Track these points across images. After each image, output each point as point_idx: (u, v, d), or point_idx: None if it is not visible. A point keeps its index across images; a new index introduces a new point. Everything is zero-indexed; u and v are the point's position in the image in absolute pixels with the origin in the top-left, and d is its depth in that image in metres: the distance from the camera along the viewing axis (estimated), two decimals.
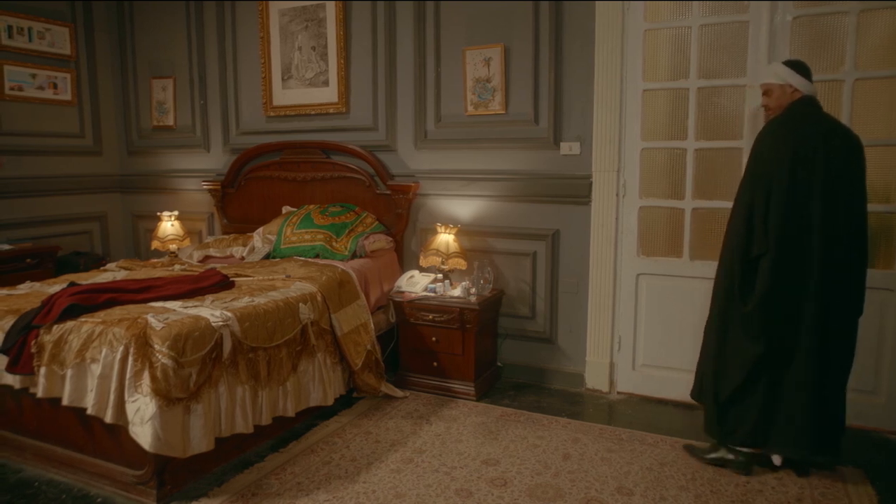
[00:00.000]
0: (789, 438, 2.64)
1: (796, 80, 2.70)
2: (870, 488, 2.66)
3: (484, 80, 3.91)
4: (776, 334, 2.62)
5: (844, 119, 3.16)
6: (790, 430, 2.63)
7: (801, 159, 2.56)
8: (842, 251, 2.59)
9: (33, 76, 4.78)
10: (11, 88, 4.64)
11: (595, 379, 3.80)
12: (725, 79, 3.39)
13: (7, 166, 4.55)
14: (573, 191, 3.74)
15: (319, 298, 3.33)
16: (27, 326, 2.70)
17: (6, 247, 4.32)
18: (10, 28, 4.60)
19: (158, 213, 4.85)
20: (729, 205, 3.37)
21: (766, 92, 2.79)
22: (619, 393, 3.79)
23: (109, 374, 2.48)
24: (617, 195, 3.66)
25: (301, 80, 4.57)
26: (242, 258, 4.21)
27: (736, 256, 2.67)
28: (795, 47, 3.22)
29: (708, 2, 3.39)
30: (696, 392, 2.96)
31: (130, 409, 2.43)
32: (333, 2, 4.32)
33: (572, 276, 3.82)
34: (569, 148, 3.75)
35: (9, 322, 2.78)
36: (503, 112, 3.89)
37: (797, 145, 2.58)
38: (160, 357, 2.45)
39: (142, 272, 3.68)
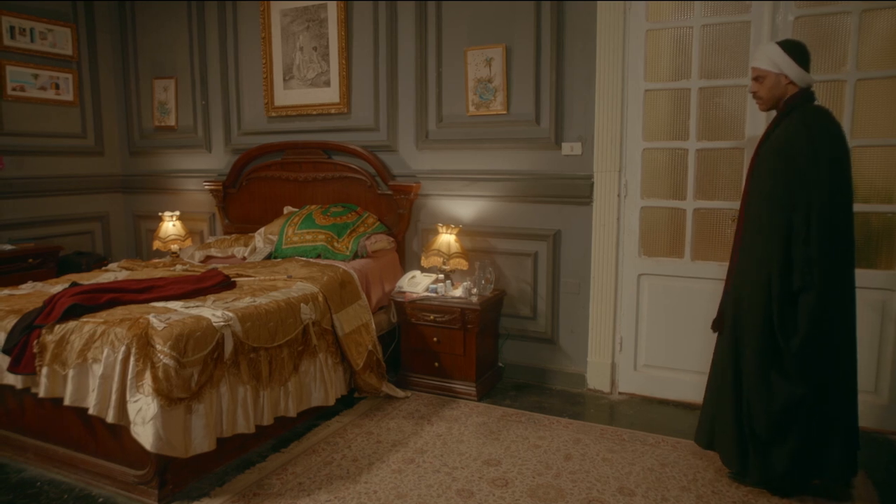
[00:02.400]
0: (836, 467, 2.47)
1: (794, 72, 2.46)
2: (872, 489, 2.65)
3: (485, 81, 3.91)
4: (820, 371, 2.42)
5: (847, 119, 3.16)
6: (836, 458, 2.46)
7: (833, 170, 2.37)
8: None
9: (35, 76, 4.79)
10: (14, 89, 4.65)
11: (596, 379, 3.80)
12: (727, 79, 3.39)
13: (9, 166, 4.56)
14: (575, 191, 3.74)
15: (321, 299, 3.33)
16: (29, 326, 2.70)
17: (9, 247, 4.33)
18: (12, 28, 4.61)
19: (160, 214, 4.86)
20: (730, 205, 3.41)
21: (758, 78, 2.54)
22: (620, 393, 3.78)
23: (111, 375, 2.48)
24: (618, 195, 3.66)
25: (302, 81, 4.57)
26: (244, 258, 4.22)
27: (775, 288, 2.39)
28: None
29: (710, 1, 3.38)
30: (706, 436, 2.71)
31: (132, 409, 2.43)
32: (335, 2, 4.32)
33: (574, 277, 3.82)
34: (570, 148, 3.74)
35: (11, 322, 2.78)
36: (505, 112, 3.89)
37: (830, 154, 2.38)
38: (162, 357, 2.45)
39: (143, 272, 3.68)
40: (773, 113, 2.64)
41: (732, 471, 2.66)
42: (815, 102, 2.55)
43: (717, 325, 2.76)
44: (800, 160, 2.39)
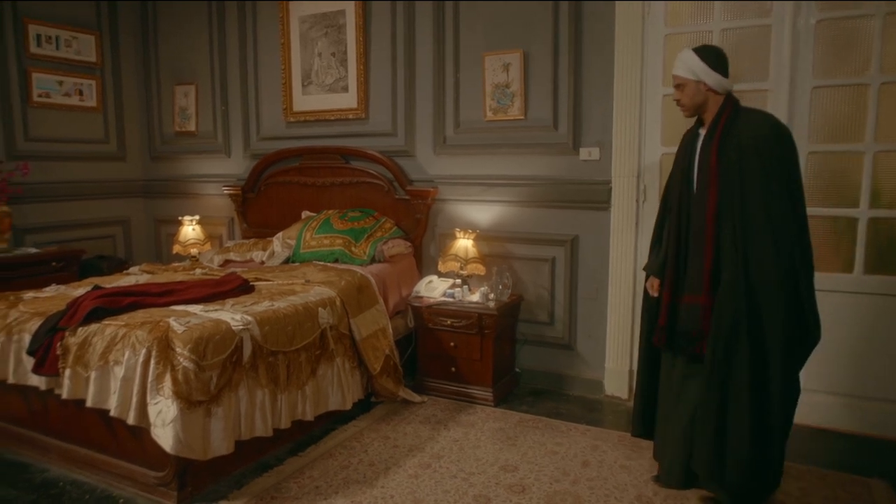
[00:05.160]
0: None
1: (711, 79, 2.41)
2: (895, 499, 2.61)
3: (503, 86, 3.91)
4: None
5: (870, 124, 3.13)
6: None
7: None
8: None
9: (60, 83, 4.88)
10: (39, 95, 4.73)
11: (614, 385, 3.77)
12: (747, 83, 3.35)
13: (34, 172, 4.64)
14: (592, 196, 3.73)
15: (338, 303, 3.35)
16: (53, 329, 2.75)
17: (33, 250, 4.40)
18: (38, 36, 4.70)
19: (180, 218, 4.91)
20: None
21: (679, 86, 2.50)
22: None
23: (132, 377, 2.51)
24: (637, 201, 3.63)
25: (321, 86, 4.60)
26: (262, 263, 4.25)
27: (804, 283, 2.34)
28: (819, 51, 3.18)
29: (730, 2, 3.35)
30: (643, 426, 2.70)
31: (152, 411, 2.46)
32: (354, 1, 4.35)
33: (591, 282, 3.80)
34: (588, 153, 3.73)
35: (35, 324, 2.83)
36: (522, 117, 3.88)
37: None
38: (182, 360, 2.48)
39: (163, 276, 3.73)
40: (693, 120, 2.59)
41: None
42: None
43: (676, 340, 2.51)
44: (789, 159, 2.37)
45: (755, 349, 2.33)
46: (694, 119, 2.58)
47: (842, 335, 3.21)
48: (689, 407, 2.47)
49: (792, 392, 2.41)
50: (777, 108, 3.22)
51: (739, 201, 2.34)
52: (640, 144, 3.61)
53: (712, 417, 2.37)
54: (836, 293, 3.21)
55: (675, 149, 3.54)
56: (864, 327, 3.20)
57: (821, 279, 2.53)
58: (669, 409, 2.57)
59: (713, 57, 2.43)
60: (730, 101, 2.45)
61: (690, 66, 2.43)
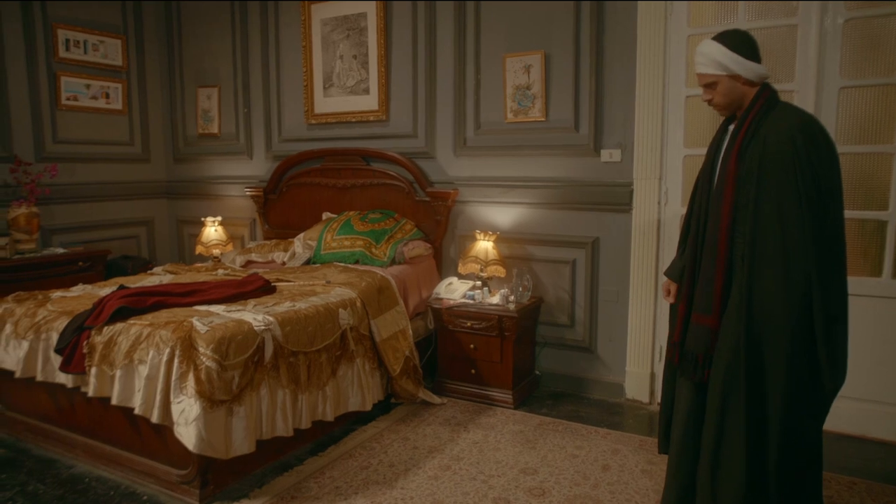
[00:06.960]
0: None
1: (746, 70, 2.09)
2: None
3: (524, 88, 3.90)
4: None
5: None
6: None
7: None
8: None
9: (88, 86, 4.97)
10: (67, 99, 4.83)
11: (635, 389, 3.74)
12: (773, 84, 3.30)
13: (62, 173, 4.73)
14: (614, 198, 3.70)
15: (359, 304, 3.36)
16: (80, 328, 2.80)
17: (60, 250, 4.49)
18: (67, 41, 4.80)
19: (203, 219, 4.97)
20: None
21: (710, 85, 2.16)
22: (659, 404, 3.70)
23: (156, 376, 2.55)
24: (659, 203, 3.60)
25: (342, 88, 4.63)
26: (283, 263, 4.28)
27: (819, 315, 1.99)
28: (847, 51, 3.13)
29: (754, 2, 3.31)
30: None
31: (176, 409, 2.49)
32: (375, 3, 4.36)
33: (612, 285, 3.77)
34: (609, 155, 3.71)
35: (63, 323, 2.88)
36: (543, 119, 3.87)
37: (837, 159, 2.09)
38: (204, 360, 2.51)
39: (187, 276, 3.77)
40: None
41: None
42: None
43: (683, 362, 2.24)
44: (821, 166, 2.01)
45: (753, 386, 2.05)
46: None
47: (869, 340, 3.15)
48: (693, 438, 2.25)
49: (799, 440, 2.04)
50: (803, 109, 3.16)
51: (753, 216, 2.05)
52: (663, 146, 3.58)
53: (708, 455, 2.15)
54: (863, 297, 3.15)
55: (697, 150, 3.54)
56: (892, 332, 3.14)
57: (848, 283, 2.41)
58: (676, 436, 2.33)
59: (743, 45, 2.11)
60: (763, 94, 2.13)
61: (719, 60, 2.11)
